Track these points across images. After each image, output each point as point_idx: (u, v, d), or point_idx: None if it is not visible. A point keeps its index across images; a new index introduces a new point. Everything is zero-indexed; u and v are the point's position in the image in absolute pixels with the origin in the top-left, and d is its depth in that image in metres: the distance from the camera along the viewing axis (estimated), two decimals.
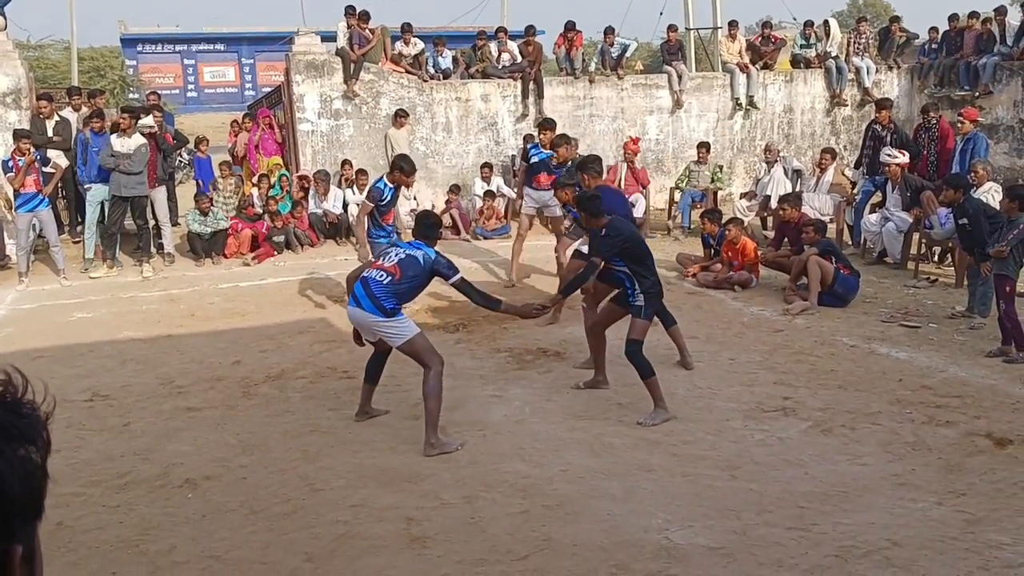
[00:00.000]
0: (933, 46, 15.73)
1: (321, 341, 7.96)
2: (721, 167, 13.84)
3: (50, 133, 11.73)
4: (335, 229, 12.77)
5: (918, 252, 10.35)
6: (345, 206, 12.84)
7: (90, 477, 5.13)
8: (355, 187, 12.73)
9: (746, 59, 15.47)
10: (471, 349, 7.61)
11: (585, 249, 7.54)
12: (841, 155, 14.63)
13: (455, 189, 13.45)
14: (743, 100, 15.40)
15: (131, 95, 29.99)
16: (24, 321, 9.01)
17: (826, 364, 6.92)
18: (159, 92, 16.07)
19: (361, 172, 12.78)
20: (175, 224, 12.52)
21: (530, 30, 14.78)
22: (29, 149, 10.43)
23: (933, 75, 15.49)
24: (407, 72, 14.16)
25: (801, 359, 7.07)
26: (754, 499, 4.61)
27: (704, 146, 13.30)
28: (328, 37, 14.65)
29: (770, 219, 12.30)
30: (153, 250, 11.57)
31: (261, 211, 12.33)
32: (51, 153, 11.28)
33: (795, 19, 23.31)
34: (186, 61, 37.70)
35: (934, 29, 15.87)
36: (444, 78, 14.49)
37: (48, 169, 10.99)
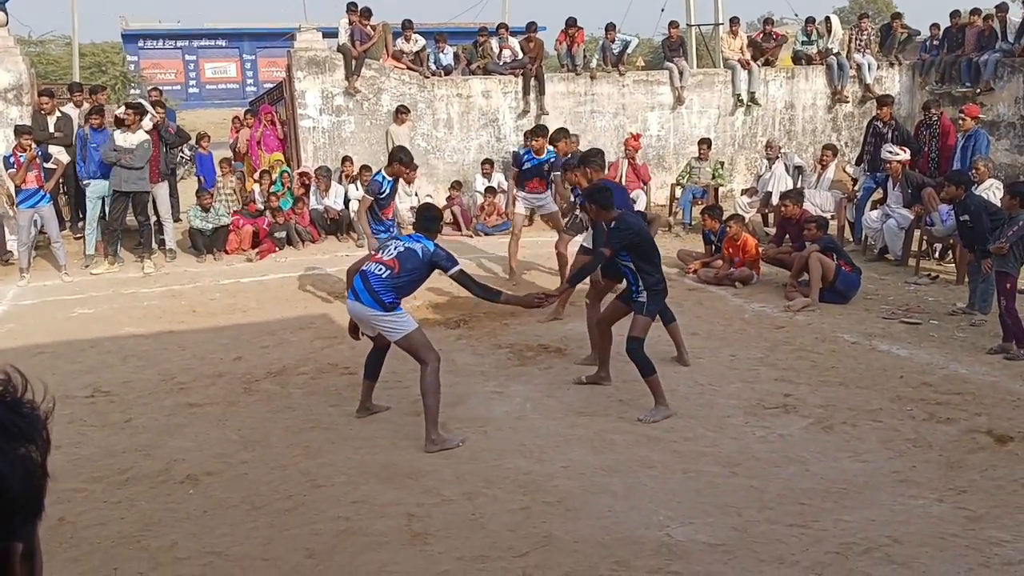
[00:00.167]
0: (934, 43, 15.70)
1: (322, 337, 7.96)
2: (722, 163, 13.83)
3: (51, 129, 11.73)
4: (336, 225, 12.78)
5: (919, 249, 10.34)
6: (347, 202, 12.85)
7: (91, 473, 5.13)
8: (358, 183, 12.73)
9: (747, 55, 15.45)
10: (472, 345, 7.62)
11: (589, 244, 7.55)
12: (842, 152, 14.64)
13: (456, 186, 13.45)
14: (744, 96, 15.38)
15: (132, 91, 29.98)
16: (25, 317, 9.02)
17: (827, 361, 6.92)
18: (160, 88, 16.03)
19: (365, 168, 12.77)
20: (177, 220, 12.52)
21: (531, 26, 14.77)
22: (30, 145, 10.43)
23: (934, 72, 15.47)
24: (408, 68, 14.15)
25: (802, 356, 7.08)
26: (755, 496, 4.62)
27: (705, 142, 13.30)
28: (330, 33, 14.63)
29: (771, 215, 12.30)
30: (154, 246, 11.57)
31: (262, 207, 12.34)
32: (52, 149, 11.28)
33: (796, 15, 23.32)
34: (187, 57, 37.70)
35: (935, 26, 15.84)
36: (445, 74, 14.48)
37: (50, 165, 10.99)
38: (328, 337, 7.94)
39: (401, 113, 13.48)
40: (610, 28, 15.33)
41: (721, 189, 13.35)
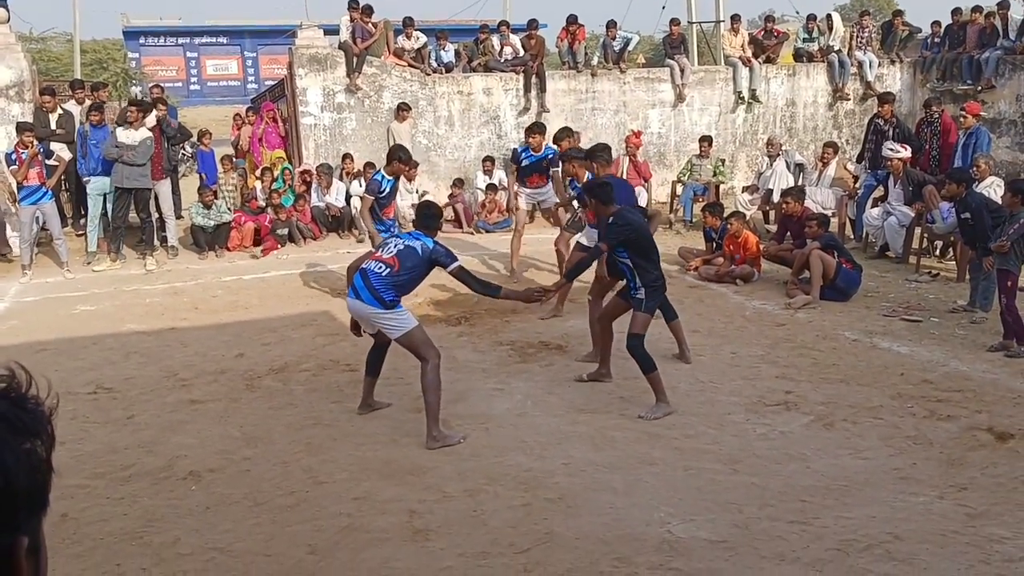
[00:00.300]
0: (936, 40, 15.69)
1: (324, 334, 7.97)
2: (723, 161, 13.83)
3: (53, 126, 11.74)
4: (337, 222, 12.79)
5: (920, 246, 10.35)
6: (348, 199, 12.86)
7: (94, 469, 5.15)
8: (362, 179, 12.73)
9: (748, 53, 15.44)
10: (473, 342, 7.63)
11: (585, 241, 7.56)
12: (843, 149, 14.63)
13: (458, 183, 13.44)
14: (745, 94, 15.37)
15: (134, 88, 29.97)
16: (28, 314, 9.03)
17: (828, 358, 6.93)
18: (162, 85, 16.04)
19: (369, 165, 12.77)
20: (179, 217, 12.53)
21: (532, 24, 14.76)
22: (32, 142, 10.44)
23: (935, 69, 15.46)
24: (409, 66, 14.15)
25: (803, 353, 7.08)
26: (756, 493, 4.63)
27: (706, 140, 13.30)
28: (331, 31, 14.62)
29: (772, 213, 12.30)
30: (156, 243, 11.59)
31: (264, 204, 12.35)
32: (54, 146, 11.29)
33: (798, 13, 23.33)
34: (189, 54, 37.69)
35: (937, 23, 15.83)
36: (446, 72, 14.47)
37: (51, 162, 11.00)
38: (330, 334, 7.95)
39: (402, 110, 13.49)
40: (611, 25, 15.31)
41: (722, 186, 13.35)
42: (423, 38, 14.53)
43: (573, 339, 7.47)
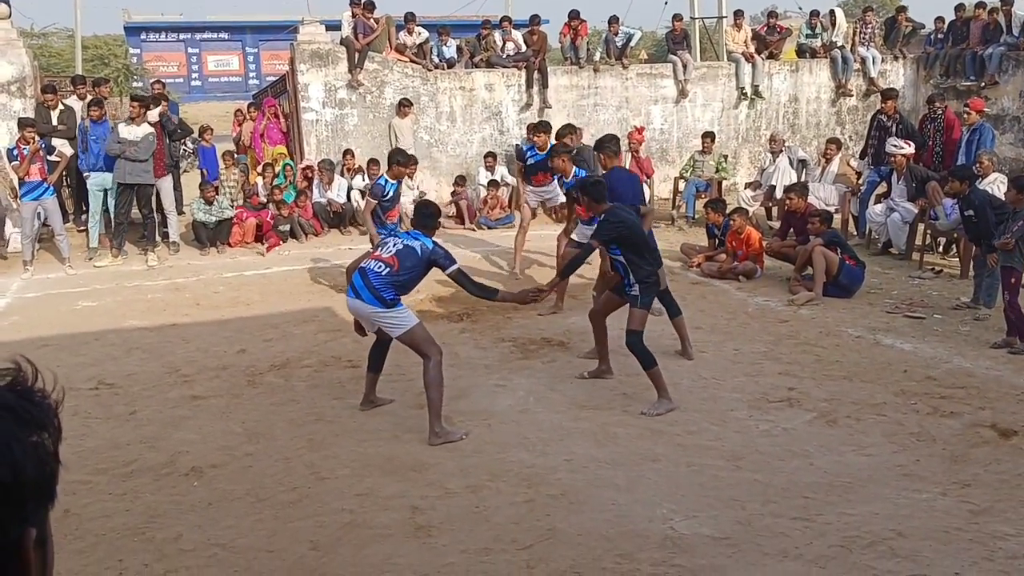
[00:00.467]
0: (939, 36, 15.67)
1: (326, 330, 7.97)
2: (726, 157, 13.81)
3: (55, 122, 11.73)
4: (339, 218, 12.78)
5: (923, 243, 10.33)
6: (349, 195, 12.85)
7: (96, 465, 5.15)
8: (364, 175, 12.72)
9: (751, 49, 15.42)
10: (475, 339, 7.62)
11: (577, 238, 7.56)
12: (846, 145, 14.60)
13: (461, 181, 13.42)
14: (748, 90, 15.36)
15: (135, 84, 29.97)
16: (29, 309, 9.03)
17: (831, 355, 6.92)
18: (163, 81, 16.03)
19: (373, 162, 12.76)
20: (180, 213, 12.52)
21: (534, 19, 14.75)
22: (34, 137, 10.44)
23: (939, 65, 15.44)
24: (411, 61, 14.13)
25: (806, 350, 7.07)
26: (759, 489, 4.62)
27: (709, 136, 13.27)
28: (333, 26, 14.62)
29: (775, 209, 12.29)
30: (158, 239, 11.59)
31: (266, 200, 12.34)
32: (56, 142, 11.29)
33: (800, 8, 23.28)
34: (190, 50, 37.67)
35: (940, 19, 15.81)
36: (448, 67, 14.46)
37: (53, 158, 11.00)
38: (331, 330, 7.95)
39: (404, 106, 13.48)
40: (613, 21, 15.30)
41: (724, 183, 13.32)
42: (425, 34, 14.51)
43: (575, 335, 7.46)
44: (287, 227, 12.13)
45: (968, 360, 6.72)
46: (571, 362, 6.89)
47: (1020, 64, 14.06)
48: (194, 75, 37.72)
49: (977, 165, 9.50)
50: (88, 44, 30.50)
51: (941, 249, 10.61)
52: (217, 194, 11.91)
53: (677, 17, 15.75)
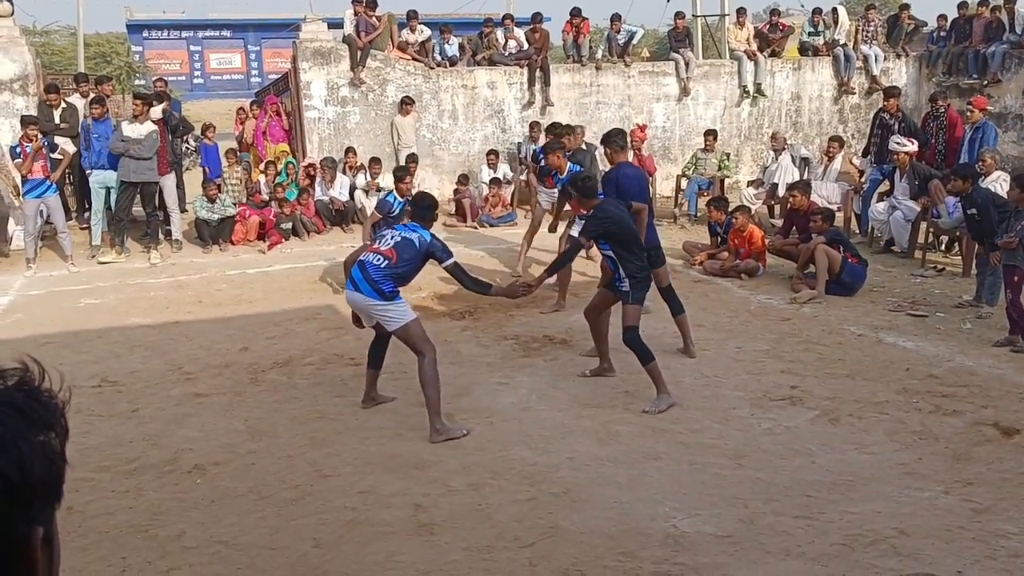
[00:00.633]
0: (942, 34, 15.65)
1: (328, 328, 7.97)
2: (728, 155, 13.80)
3: (57, 120, 11.74)
4: (341, 216, 12.78)
5: (925, 241, 10.32)
6: (352, 193, 12.86)
7: (99, 462, 5.16)
8: (367, 173, 12.72)
9: (754, 46, 15.41)
10: (477, 336, 7.62)
11: (575, 233, 7.56)
12: (849, 143, 14.60)
13: (463, 179, 13.41)
14: (750, 88, 15.34)
15: (137, 81, 29.98)
16: (32, 307, 9.04)
17: (833, 353, 6.92)
18: (165, 78, 16.03)
19: (375, 160, 12.76)
20: (183, 211, 12.53)
21: (537, 17, 14.74)
22: (37, 135, 10.44)
23: (941, 63, 15.42)
24: (413, 59, 14.13)
25: (808, 348, 7.07)
26: (761, 488, 4.62)
27: (711, 134, 13.26)
28: (335, 24, 14.62)
29: (777, 207, 12.28)
30: (161, 237, 11.59)
31: (268, 198, 12.35)
32: (58, 140, 11.29)
33: (803, 6, 23.21)
34: (192, 48, 37.62)
35: (943, 17, 15.79)
36: (450, 65, 14.46)
37: (56, 155, 11.00)
38: (334, 328, 7.95)
39: (406, 104, 13.48)
40: (615, 19, 15.28)
41: (727, 181, 13.31)
42: (427, 31, 14.50)
43: (577, 333, 7.46)
44: (289, 225, 12.13)
45: (970, 358, 6.72)
46: (573, 360, 6.89)
47: (1023, 62, 14.04)
48: (196, 73, 37.67)
49: (980, 163, 9.49)
50: (90, 42, 30.51)
51: (943, 247, 10.59)
52: (219, 192, 11.92)
53: (679, 15, 15.74)
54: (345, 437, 5.49)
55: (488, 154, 13.66)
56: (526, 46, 14.62)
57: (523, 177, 13.61)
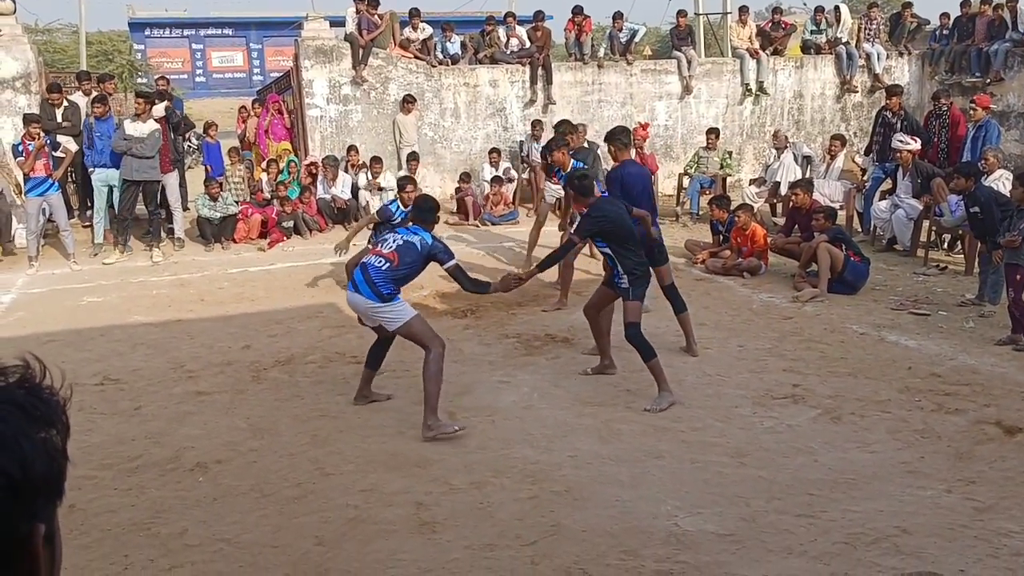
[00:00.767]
0: (944, 32, 15.62)
1: (330, 326, 7.98)
2: (730, 153, 13.80)
3: (59, 119, 11.74)
4: (343, 214, 12.78)
5: (928, 239, 10.31)
6: (354, 191, 12.86)
7: (102, 460, 5.16)
8: (368, 172, 12.73)
9: (756, 45, 15.39)
10: (479, 335, 7.62)
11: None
12: (851, 141, 14.58)
13: (465, 177, 13.40)
14: (753, 86, 15.33)
15: (139, 80, 29.97)
16: (35, 305, 9.05)
17: (835, 352, 6.91)
18: (167, 77, 16.04)
19: (376, 160, 12.76)
20: (185, 209, 12.54)
21: (539, 15, 14.73)
22: (39, 133, 10.45)
23: (944, 61, 15.40)
24: (415, 57, 14.12)
25: (810, 346, 7.06)
26: (763, 486, 4.62)
27: (713, 132, 13.26)
28: (337, 22, 14.63)
29: (779, 206, 12.27)
30: (163, 235, 11.60)
31: (270, 196, 12.35)
32: (61, 138, 11.29)
33: (805, 4, 23.19)
34: (194, 46, 37.60)
35: (945, 15, 15.76)
36: (452, 63, 14.46)
37: (58, 154, 11.01)
38: (336, 326, 7.95)
39: (408, 102, 13.48)
40: (618, 17, 15.27)
41: (729, 179, 13.31)
42: (429, 30, 14.50)
43: (579, 331, 7.45)
44: (291, 223, 12.14)
45: (973, 357, 6.71)
46: (575, 358, 6.89)
47: None
48: (198, 71, 37.66)
49: (982, 161, 9.48)
50: (92, 40, 30.53)
51: (946, 246, 10.58)
52: (222, 190, 11.92)
53: (681, 13, 15.72)
54: (347, 435, 5.49)
55: (490, 152, 13.65)
56: (528, 44, 14.61)
57: (525, 175, 13.61)
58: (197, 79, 37.32)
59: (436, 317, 7.88)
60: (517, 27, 14.99)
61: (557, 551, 4.01)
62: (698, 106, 15.30)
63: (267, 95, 15.40)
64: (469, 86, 14.31)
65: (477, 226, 12.85)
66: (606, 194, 6.67)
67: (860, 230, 11.43)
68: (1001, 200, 7.91)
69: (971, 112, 11.05)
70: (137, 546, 4.19)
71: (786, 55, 16.00)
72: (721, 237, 10.13)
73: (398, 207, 8.10)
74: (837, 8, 16.14)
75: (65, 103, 11.91)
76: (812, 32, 16.15)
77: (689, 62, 15.05)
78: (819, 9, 16.18)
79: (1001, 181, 9.18)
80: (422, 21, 14.42)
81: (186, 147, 14.62)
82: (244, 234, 11.96)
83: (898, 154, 10.55)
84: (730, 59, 15.80)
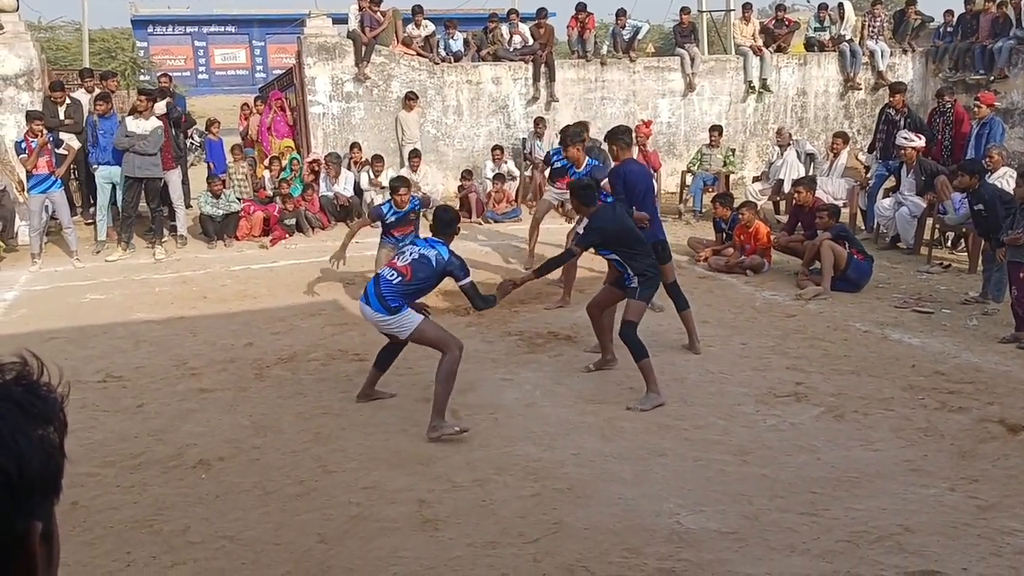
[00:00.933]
0: (948, 29, 15.57)
1: (332, 324, 7.98)
2: (733, 151, 13.77)
3: (62, 116, 11.75)
4: (346, 212, 12.77)
5: (931, 237, 10.29)
6: (356, 189, 12.86)
7: (104, 457, 5.16)
8: (370, 171, 12.73)
9: (759, 42, 15.36)
10: (482, 332, 7.62)
11: (581, 231, 7.55)
12: (854, 139, 14.54)
13: (467, 174, 13.39)
14: (756, 83, 15.30)
15: (142, 77, 30.00)
16: (37, 302, 9.06)
17: (839, 349, 6.90)
18: (170, 74, 16.05)
19: (377, 158, 12.76)
20: (187, 207, 12.55)
21: (542, 12, 14.71)
22: (42, 131, 10.45)
23: (948, 59, 15.35)
24: (418, 54, 14.12)
25: (814, 344, 7.05)
26: (766, 484, 4.61)
27: (716, 129, 13.23)
28: (340, 19, 14.61)
29: (782, 203, 12.24)
30: (166, 232, 11.61)
31: (272, 194, 12.35)
32: (63, 135, 11.30)
33: (809, 2, 23.11)
34: (197, 43, 37.64)
35: (949, 12, 15.71)
36: (455, 61, 14.44)
37: (61, 151, 11.01)
38: (338, 324, 7.96)
39: (410, 99, 13.47)
40: (621, 14, 15.26)
41: (732, 176, 13.29)
42: (432, 27, 14.49)
43: (581, 329, 7.45)
44: (293, 221, 12.14)
45: (976, 355, 6.70)
46: (578, 356, 6.88)
47: None
48: (201, 68, 37.69)
49: (987, 159, 9.45)
50: (95, 37, 30.56)
51: (950, 243, 10.56)
52: (224, 187, 11.92)
53: (685, 10, 15.69)
54: (349, 433, 5.49)
55: (494, 149, 13.64)
56: (531, 41, 14.60)
57: (528, 173, 13.60)
58: (200, 76, 37.36)
59: (438, 315, 7.87)
60: (520, 24, 14.98)
61: (559, 549, 4.01)
62: (701, 103, 15.28)
63: (270, 92, 15.41)
64: (472, 83, 14.30)
65: (480, 223, 12.85)
66: (610, 199, 6.66)
67: (863, 228, 11.41)
68: (1005, 198, 7.89)
69: (975, 109, 11.02)
70: (139, 543, 4.19)
71: (789, 52, 15.97)
72: (724, 235, 10.12)
73: (390, 207, 8.08)
74: (841, 5, 16.09)
75: (68, 100, 11.91)
76: (816, 29, 16.12)
77: (692, 59, 15.02)
78: (823, 6, 16.14)
79: (1005, 179, 9.16)
80: (425, 18, 14.41)
81: (189, 144, 14.63)
82: (247, 231, 11.96)
83: (902, 151, 10.53)
84: (733, 56, 15.77)
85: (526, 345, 7.22)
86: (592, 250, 6.46)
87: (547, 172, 9.89)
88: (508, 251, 10.87)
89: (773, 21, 16.17)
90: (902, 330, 7.41)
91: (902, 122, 11.18)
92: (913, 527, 4.11)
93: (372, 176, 12.68)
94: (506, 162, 13.63)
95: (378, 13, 13.71)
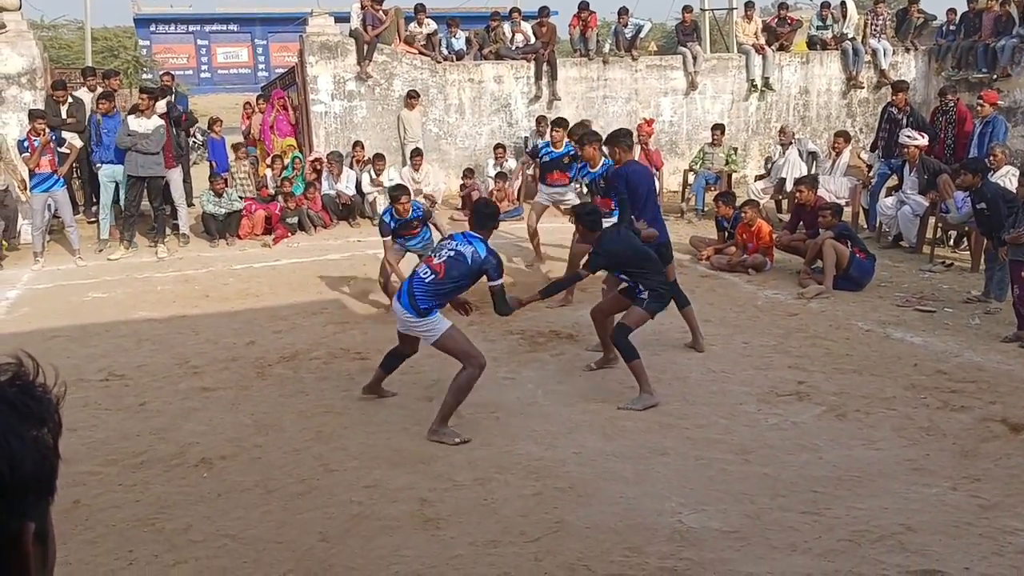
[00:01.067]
0: (951, 28, 15.54)
1: (335, 322, 7.98)
2: (736, 149, 13.75)
3: (64, 115, 11.76)
4: (348, 210, 12.78)
5: (934, 236, 10.27)
6: (358, 187, 12.86)
7: (106, 456, 5.17)
8: (372, 170, 12.73)
9: (762, 40, 15.34)
10: (484, 331, 7.61)
11: None
12: (857, 138, 14.53)
13: (469, 173, 13.39)
14: (758, 82, 15.29)
15: (145, 76, 29.98)
16: (40, 301, 9.07)
17: (841, 348, 6.89)
18: (172, 73, 16.05)
19: (378, 157, 12.76)
20: (190, 205, 12.56)
21: (544, 11, 14.70)
22: (44, 129, 10.46)
23: (951, 57, 15.32)
24: (420, 53, 14.12)
25: (816, 343, 7.05)
26: (768, 483, 4.61)
27: (719, 128, 13.22)
28: (342, 18, 14.60)
29: (785, 202, 12.23)
30: (168, 231, 11.61)
31: (274, 192, 12.36)
32: (66, 134, 11.31)
33: (811, 0, 23.10)
34: (199, 42, 37.64)
35: (952, 11, 15.67)
36: (457, 59, 14.44)
37: (63, 149, 11.02)
38: (340, 322, 7.96)
39: (412, 98, 13.47)
40: (623, 12, 15.24)
41: (734, 175, 13.28)
42: (434, 25, 14.49)
43: (583, 328, 7.44)
44: (295, 219, 12.14)
45: (979, 354, 6.69)
46: (579, 355, 6.88)
47: None
48: (203, 67, 37.69)
49: (990, 158, 9.43)
50: (98, 36, 30.51)
51: (952, 242, 10.54)
52: (227, 186, 11.93)
53: (687, 8, 15.67)
54: (351, 431, 5.49)
55: (495, 148, 13.64)
56: (533, 40, 14.60)
57: (530, 171, 13.59)
58: (202, 75, 37.36)
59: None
60: (522, 23, 14.98)
61: (561, 548, 4.01)
62: (703, 102, 15.27)
63: (272, 91, 15.41)
64: (474, 82, 14.30)
65: None
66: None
67: (866, 226, 11.40)
68: (1008, 196, 7.87)
69: (978, 108, 11.00)
70: (141, 541, 4.20)
71: (792, 51, 15.95)
72: (726, 233, 10.11)
73: (392, 216, 8.03)
74: (843, 4, 16.06)
75: (70, 99, 11.92)
76: (818, 28, 16.10)
77: (694, 58, 15.01)
78: (825, 4, 16.12)
79: (1008, 177, 9.14)
80: (427, 17, 14.41)
81: (191, 143, 14.63)
82: (249, 230, 11.96)
83: (905, 150, 10.51)
84: (735, 55, 15.75)
85: (528, 344, 7.21)
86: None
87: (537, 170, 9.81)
88: (511, 250, 10.85)
89: (775, 19, 16.15)
90: (904, 329, 7.41)
91: (904, 121, 11.16)
92: (915, 526, 4.11)
93: (374, 175, 12.68)
94: (510, 159, 13.62)
95: (380, 12, 13.72)
